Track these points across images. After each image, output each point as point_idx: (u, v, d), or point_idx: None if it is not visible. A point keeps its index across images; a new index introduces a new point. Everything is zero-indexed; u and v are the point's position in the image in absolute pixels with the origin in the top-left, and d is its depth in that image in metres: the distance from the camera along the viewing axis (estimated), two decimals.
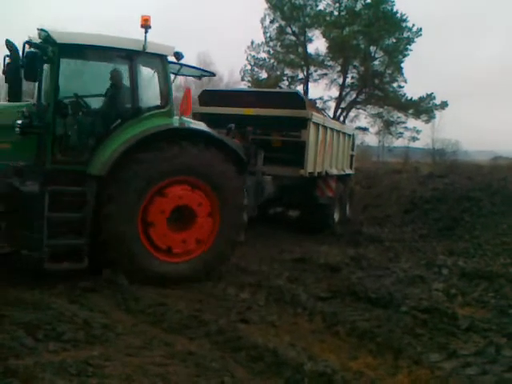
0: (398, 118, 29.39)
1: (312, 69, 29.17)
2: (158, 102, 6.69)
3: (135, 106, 6.45)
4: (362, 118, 30.46)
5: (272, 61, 29.63)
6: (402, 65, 27.82)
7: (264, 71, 29.84)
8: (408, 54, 27.50)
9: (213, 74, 10.50)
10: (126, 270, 6.09)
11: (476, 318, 5.60)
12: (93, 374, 3.94)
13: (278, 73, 29.57)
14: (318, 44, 34.55)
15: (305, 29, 28.85)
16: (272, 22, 29.15)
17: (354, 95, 29.25)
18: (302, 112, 9.88)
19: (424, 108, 28.20)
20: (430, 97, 28.20)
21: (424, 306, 5.91)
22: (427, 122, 29.13)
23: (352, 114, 30.11)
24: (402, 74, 28.06)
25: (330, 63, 28.84)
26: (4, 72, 6.63)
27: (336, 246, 9.19)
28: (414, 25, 27.10)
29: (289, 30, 29.26)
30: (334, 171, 11.46)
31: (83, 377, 3.88)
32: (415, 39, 27.14)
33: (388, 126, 30.03)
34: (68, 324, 4.74)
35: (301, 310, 5.85)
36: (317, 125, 10.27)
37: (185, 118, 6.86)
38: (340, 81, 29.03)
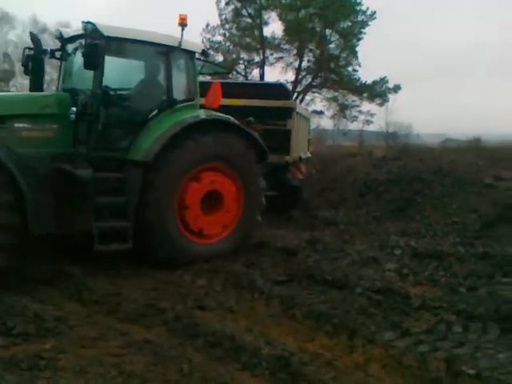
0: (353, 101, 29.69)
1: (268, 52, 28.98)
2: (187, 96, 7.17)
3: (170, 98, 6.92)
4: (318, 102, 30.61)
5: (228, 44, 29.28)
6: (357, 48, 28.05)
7: (220, 54, 29.50)
8: (363, 38, 27.72)
9: (227, 72, 11.01)
10: (164, 253, 6.52)
11: (427, 297, 5.76)
12: (45, 368, 3.87)
13: (234, 56, 29.26)
14: (274, 27, 34.35)
15: (261, 11, 28.55)
16: (227, 3, 28.69)
17: (310, 79, 29.32)
18: (289, 103, 10.92)
19: (378, 92, 28.58)
20: (384, 80, 28.61)
21: (377, 286, 6.03)
22: (381, 105, 29.59)
23: (308, 97, 30.21)
24: (357, 58, 28.31)
25: (286, 46, 28.74)
26: (24, 64, 7.05)
27: (292, 230, 9.26)
28: (368, 8, 27.39)
29: (244, 12, 28.92)
30: (303, 155, 12.22)
31: (35, 371, 3.80)
32: (370, 22, 27.42)
33: (343, 109, 30.30)
34: (18, 317, 4.61)
35: (258, 294, 5.87)
36: (297, 113, 11.12)
37: (211, 111, 7.34)
38: (296, 64, 29.02)
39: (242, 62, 29.65)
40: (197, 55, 7.43)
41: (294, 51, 28.95)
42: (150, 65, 7.24)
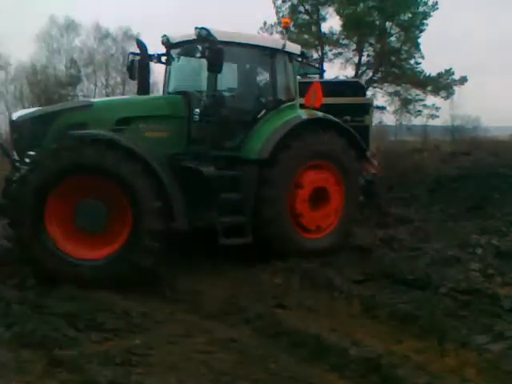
0: (417, 95, 28.85)
1: (327, 48, 28.62)
2: (288, 96, 7.38)
3: (276, 99, 7.20)
4: (379, 97, 29.89)
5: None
6: (419, 40, 27.17)
7: None
8: (425, 29, 26.83)
9: (319, 72, 11.28)
10: (277, 247, 6.75)
11: None
12: (137, 364, 3.92)
13: None
14: (331, 23, 33.71)
15: (318, 7, 28.26)
16: (284, 1, 28.56)
17: (371, 74, 28.70)
18: (366, 99, 11.32)
19: (443, 84, 27.60)
20: (449, 72, 27.59)
21: (463, 287, 5.76)
22: (446, 98, 28.53)
23: (369, 92, 29.52)
24: (419, 50, 27.43)
25: (345, 42, 28.29)
26: (129, 69, 7.47)
27: (365, 228, 9.05)
28: None
29: (301, 8, 28.71)
30: (374, 149, 12.14)
31: (128, 366, 3.86)
32: (432, 13, 26.48)
33: (406, 104, 29.50)
34: (107, 313, 4.71)
35: (337, 294, 5.76)
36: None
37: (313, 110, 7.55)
38: (355, 59, 28.53)
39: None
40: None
41: (353, 46, 28.45)
42: (255, 67, 7.57)
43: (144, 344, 4.24)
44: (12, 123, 6.36)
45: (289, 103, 7.33)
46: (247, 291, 5.76)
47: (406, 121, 32.95)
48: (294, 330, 4.65)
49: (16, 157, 6.14)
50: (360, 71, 28.57)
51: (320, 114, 7.42)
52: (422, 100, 29.27)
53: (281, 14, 28.51)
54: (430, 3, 26.48)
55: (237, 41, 6.86)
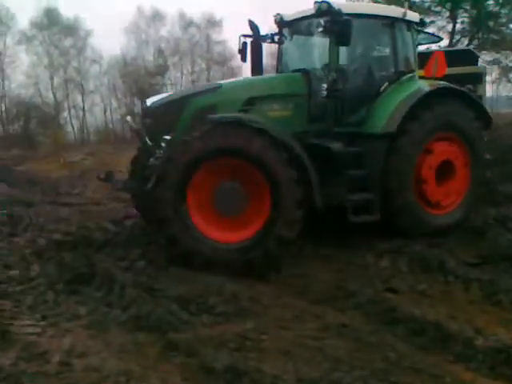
0: None
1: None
2: (408, 67, 7.11)
3: (397, 71, 6.98)
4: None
5: None
6: None
7: None
8: None
9: (440, 40, 10.90)
10: (403, 222, 6.59)
11: None
12: (251, 349, 3.88)
13: None
14: None
15: None
16: None
17: (467, 42, 26.79)
18: (479, 68, 10.86)
19: None
20: None
21: None
22: None
23: None
24: None
25: (438, 9, 26.53)
26: (240, 51, 7.57)
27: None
28: None
29: None
30: None
31: (243, 351, 3.82)
32: None
33: (506, 72, 27.32)
34: (217, 296, 4.71)
35: (452, 278, 5.41)
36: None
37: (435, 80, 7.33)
38: (449, 27, 26.68)
39: None
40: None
41: (447, 13, 26.60)
42: (376, 38, 7.30)
43: (255, 328, 4.18)
44: (146, 109, 6.52)
45: (409, 75, 7.06)
46: (354, 275, 5.56)
47: (507, 91, 30.48)
48: (409, 316, 4.41)
49: (149, 142, 6.32)
50: (455, 40, 26.75)
51: (444, 83, 7.10)
52: None
53: None
54: None
55: (358, 11, 6.68)
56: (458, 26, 26.43)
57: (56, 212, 8.94)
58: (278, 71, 7.68)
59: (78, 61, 38.09)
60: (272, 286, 5.26)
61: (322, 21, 6.37)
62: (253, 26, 7.26)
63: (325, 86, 6.38)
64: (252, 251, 5.44)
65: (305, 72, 6.67)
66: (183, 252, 5.48)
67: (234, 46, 45.07)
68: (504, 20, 25.92)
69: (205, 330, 4.11)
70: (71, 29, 37.39)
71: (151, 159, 6.14)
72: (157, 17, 39.81)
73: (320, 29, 6.42)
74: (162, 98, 6.54)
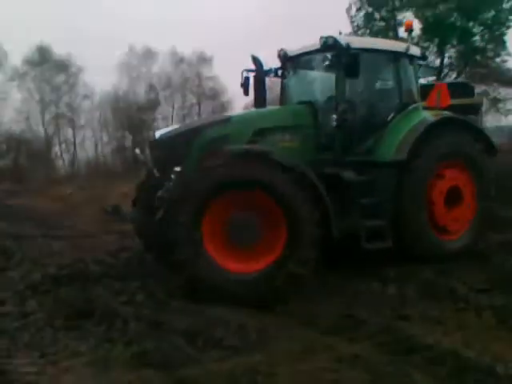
0: (507, 94, 27.07)
1: None
2: (411, 98, 7.28)
3: (402, 102, 7.15)
4: None
5: None
6: (505, 38, 25.54)
7: None
8: (511, 26, 25.15)
9: (438, 73, 11.31)
10: (419, 250, 6.67)
11: None
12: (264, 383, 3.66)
13: None
14: None
15: (394, 12, 27.44)
16: (359, 9, 28.00)
17: (455, 75, 27.32)
18: (477, 99, 11.45)
19: None
20: None
21: None
22: None
23: None
24: (506, 48, 25.77)
25: (426, 44, 27.13)
26: (243, 85, 7.73)
27: None
28: None
29: (377, 15, 28.00)
30: None
31: None
32: None
33: (495, 103, 27.76)
34: (223, 329, 4.51)
35: (463, 304, 5.27)
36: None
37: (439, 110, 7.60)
38: (437, 62, 27.25)
39: None
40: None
41: (435, 49, 27.22)
42: (380, 71, 7.52)
43: (266, 362, 3.98)
44: (155, 141, 6.53)
45: (414, 105, 7.23)
46: (361, 302, 5.41)
47: (495, 122, 30.89)
48: (424, 345, 4.25)
49: (157, 174, 6.31)
50: (443, 74, 27.28)
51: (448, 113, 7.34)
52: None
53: (355, 23, 28.05)
54: None
55: (364, 46, 6.87)
56: (446, 61, 27.02)
57: (49, 245, 8.80)
58: (281, 103, 7.80)
59: (70, 96, 38.35)
60: (278, 316, 5.08)
61: (328, 55, 6.55)
62: (256, 61, 7.39)
63: (334, 116, 6.48)
64: (262, 284, 5.33)
65: (310, 104, 6.82)
66: (192, 278, 5.35)
67: (225, 81, 46.02)
68: (491, 54, 26.55)
69: (214, 365, 3.90)
70: (63, 65, 37.68)
71: (159, 191, 6.07)
72: (148, 54, 40.34)
73: (326, 62, 6.58)
74: (171, 131, 6.63)
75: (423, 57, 7.80)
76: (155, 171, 6.36)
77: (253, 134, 6.30)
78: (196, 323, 4.63)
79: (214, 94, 42.25)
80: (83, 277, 6.26)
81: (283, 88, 7.81)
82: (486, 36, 25.77)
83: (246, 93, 7.83)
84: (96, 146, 39.41)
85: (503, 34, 25.61)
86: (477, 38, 26.11)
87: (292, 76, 7.64)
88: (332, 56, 6.50)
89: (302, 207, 5.39)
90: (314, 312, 5.12)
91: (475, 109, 11.04)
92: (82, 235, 10.11)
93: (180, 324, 4.60)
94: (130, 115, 38.53)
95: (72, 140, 38.77)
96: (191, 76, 41.87)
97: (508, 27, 25.37)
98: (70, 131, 38.78)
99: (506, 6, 25.11)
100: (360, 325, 4.76)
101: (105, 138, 40.23)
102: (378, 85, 7.73)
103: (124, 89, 39.79)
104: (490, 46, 26.21)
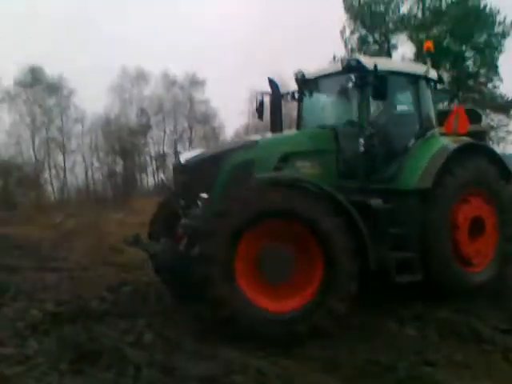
0: (500, 121, 27.32)
1: None
2: (430, 123, 7.06)
3: (422, 127, 6.93)
4: None
5: None
6: (498, 63, 25.91)
7: None
8: (503, 50, 25.56)
9: (451, 97, 11.04)
10: (441, 283, 6.38)
11: None
12: None
13: None
14: (403, 50, 32.95)
15: (387, 35, 27.84)
16: (352, 32, 28.44)
17: (448, 100, 27.60)
18: (483, 126, 10.55)
19: None
20: None
21: None
22: None
23: None
24: (498, 73, 26.12)
25: None
26: (258, 109, 7.56)
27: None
28: (505, 17, 25.16)
29: (371, 38, 28.37)
30: None
31: None
32: (511, 32, 25.20)
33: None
34: (242, 375, 4.23)
35: (489, 345, 5.03)
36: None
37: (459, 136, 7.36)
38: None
39: None
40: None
41: None
42: (402, 94, 7.36)
43: None
44: (181, 166, 6.29)
45: (432, 131, 7.04)
46: (382, 345, 5.11)
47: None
48: None
49: (181, 201, 6.11)
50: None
51: (467, 139, 7.16)
52: (505, 125, 27.62)
53: (350, 47, 28.34)
54: (508, 22, 25.27)
55: (388, 68, 6.67)
56: (439, 86, 27.24)
57: (43, 278, 8.37)
58: (298, 127, 7.61)
59: (61, 120, 38.03)
60: (297, 360, 4.75)
61: (352, 76, 6.37)
62: (272, 83, 7.25)
63: (361, 141, 6.29)
64: (299, 324, 5.08)
65: (332, 128, 6.61)
66: (229, 316, 4.99)
67: (216, 105, 45.93)
68: (483, 79, 26.86)
69: None
70: (55, 87, 37.42)
71: (184, 219, 5.84)
72: (141, 77, 40.29)
73: (350, 84, 6.40)
74: (197, 155, 6.39)
75: (440, 80, 7.63)
76: (179, 198, 6.12)
77: (279, 159, 6.12)
78: (211, 368, 4.35)
79: (206, 119, 42.24)
80: (84, 314, 5.96)
81: (300, 111, 7.62)
82: (479, 60, 26.15)
83: (261, 117, 7.66)
84: (86, 171, 38.96)
85: (495, 59, 26.00)
86: (469, 62, 26.49)
87: (310, 99, 7.43)
88: (356, 78, 6.33)
89: (338, 235, 5.19)
90: (333, 355, 4.82)
91: (482, 135, 10.90)
92: (78, 267, 9.60)
93: (196, 369, 4.32)
94: (122, 139, 38.26)
95: (62, 165, 38.27)
96: (183, 100, 41.84)
97: (500, 51, 25.80)
98: (60, 156, 38.27)
99: (497, 29, 25.56)
100: (386, 371, 4.49)
101: (96, 164, 39.78)
102: (397, 108, 7.51)
103: (116, 112, 39.63)
104: (482, 71, 26.56)
